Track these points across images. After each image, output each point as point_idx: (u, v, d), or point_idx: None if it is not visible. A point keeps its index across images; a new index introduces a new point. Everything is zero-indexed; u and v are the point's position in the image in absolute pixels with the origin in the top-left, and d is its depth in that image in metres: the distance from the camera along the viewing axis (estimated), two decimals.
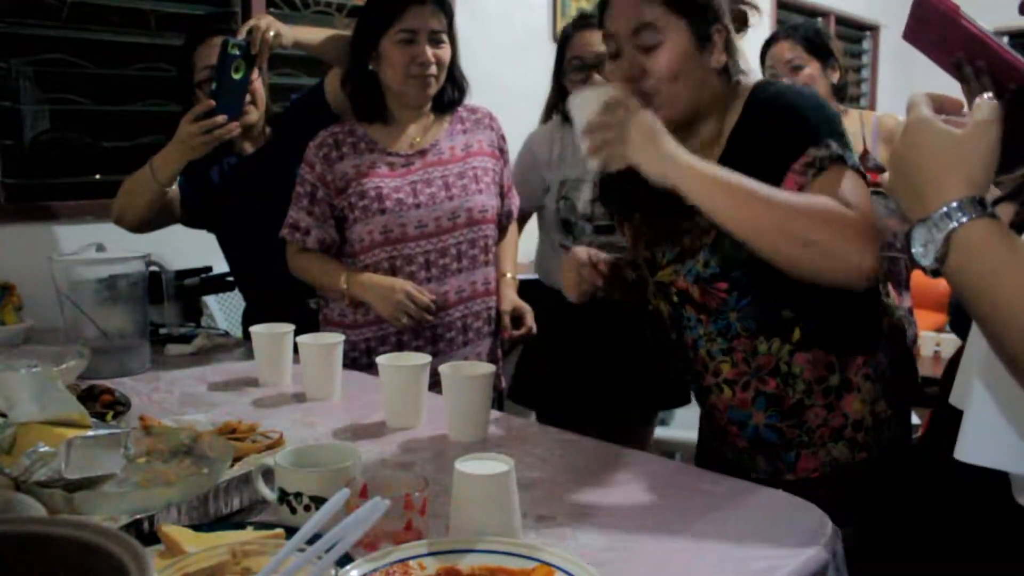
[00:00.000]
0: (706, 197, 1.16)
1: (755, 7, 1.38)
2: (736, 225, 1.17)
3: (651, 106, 1.26)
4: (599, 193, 2.14)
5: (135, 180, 1.98)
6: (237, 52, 1.87)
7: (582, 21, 2.21)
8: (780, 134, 1.26)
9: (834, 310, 1.32)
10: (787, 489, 1.17)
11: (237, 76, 1.89)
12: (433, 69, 1.84)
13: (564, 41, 2.23)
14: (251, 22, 1.94)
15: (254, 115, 2.05)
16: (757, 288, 1.31)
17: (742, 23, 1.37)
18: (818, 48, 2.46)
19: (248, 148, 2.11)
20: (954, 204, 0.80)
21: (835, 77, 2.48)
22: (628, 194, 1.47)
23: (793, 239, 1.14)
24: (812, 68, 2.44)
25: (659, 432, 2.71)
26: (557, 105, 2.28)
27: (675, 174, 1.16)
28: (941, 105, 0.88)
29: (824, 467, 1.36)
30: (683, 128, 1.31)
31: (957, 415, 0.91)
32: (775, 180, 1.21)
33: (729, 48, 1.33)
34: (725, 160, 1.27)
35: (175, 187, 2.01)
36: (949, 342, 2.73)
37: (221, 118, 1.86)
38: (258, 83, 2.04)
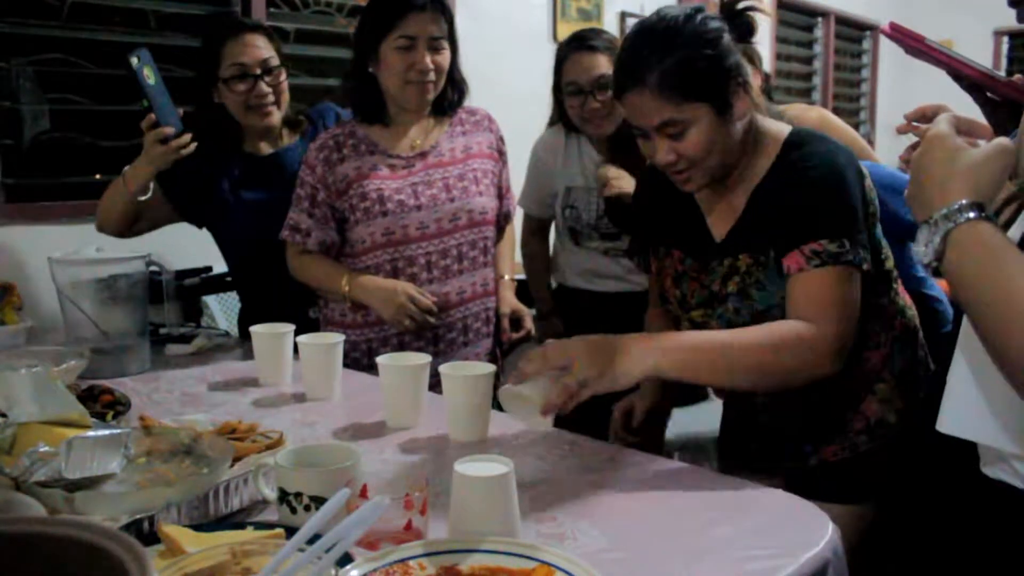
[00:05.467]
0: (682, 370, 1.25)
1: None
2: (712, 382, 1.35)
3: (687, 179, 1.35)
4: (608, 213, 2.16)
5: (110, 190, 1.99)
6: (137, 61, 1.86)
7: (576, 43, 2.17)
8: (801, 212, 1.31)
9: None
10: (811, 473, 1.41)
11: (152, 82, 1.88)
12: (432, 76, 1.84)
13: (560, 62, 2.19)
14: None
15: (276, 116, 2.03)
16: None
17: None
18: None
19: (264, 149, 2.10)
20: (955, 206, 0.86)
21: (756, 82, 2.43)
22: (638, 209, 1.50)
23: (757, 381, 1.29)
24: None
25: None
26: (561, 115, 2.27)
27: (655, 365, 1.22)
28: (970, 128, 0.95)
29: (845, 451, 1.45)
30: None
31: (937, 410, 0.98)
32: (784, 248, 1.30)
33: (747, 90, 1.34)
34: (747, 215, 1.38)
35: (154, 195, 1.98)
36: None
37: (169, 129, 1.85)
38: (283, 84, 2.03)
